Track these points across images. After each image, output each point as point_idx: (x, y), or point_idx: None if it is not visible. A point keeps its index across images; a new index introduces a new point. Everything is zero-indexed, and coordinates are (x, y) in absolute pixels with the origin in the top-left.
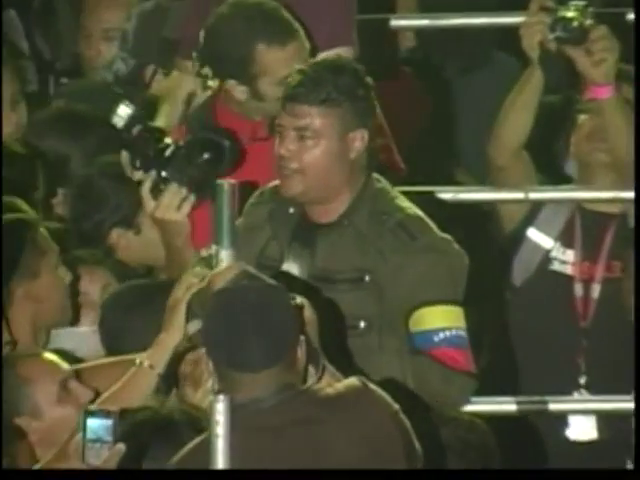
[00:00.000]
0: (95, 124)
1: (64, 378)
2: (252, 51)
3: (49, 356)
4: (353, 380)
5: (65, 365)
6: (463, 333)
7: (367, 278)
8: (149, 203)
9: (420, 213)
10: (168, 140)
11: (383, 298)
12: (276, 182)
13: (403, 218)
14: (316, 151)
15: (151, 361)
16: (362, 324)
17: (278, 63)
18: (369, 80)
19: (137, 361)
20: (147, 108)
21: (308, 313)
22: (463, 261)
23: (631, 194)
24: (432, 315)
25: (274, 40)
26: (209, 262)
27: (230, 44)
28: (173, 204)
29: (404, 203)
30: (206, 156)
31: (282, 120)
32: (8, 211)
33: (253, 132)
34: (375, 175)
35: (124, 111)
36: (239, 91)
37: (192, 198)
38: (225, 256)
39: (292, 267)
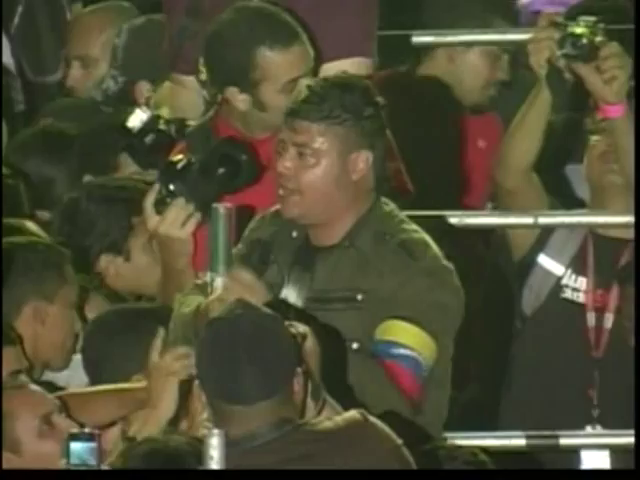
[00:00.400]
0: (81, 144)
1: (48, 412)
2: (254, 55)
3: (33, 388)
4: (353, 413)
5: (50, 398)
6: (425, 364)
7: (359, 297)
8: (152, 217)
9: (426, 238)
10: (180, 154)
11: (376, 318)
12: (277, 206)
13: (406, 239)
14: (315, 170)
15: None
16: (354, 345)
17: (281, 67)
18: (380, 100)
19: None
20: None
21: (310, 343)
22: (459, 299)
23: (631, 218)
24: (402, 330)
25: (276, 43)
26: (204, 290)
27: (231, 49)
28: (178, 220)
29: (410, 226)
30: (221, 170)
31: (283, 135)
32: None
33: (267, 156)
34: (383, 199)
35: (140, 116)
36: (240, 100)
37: (198, 216)
38: (220, 283)
39: (291, 291)
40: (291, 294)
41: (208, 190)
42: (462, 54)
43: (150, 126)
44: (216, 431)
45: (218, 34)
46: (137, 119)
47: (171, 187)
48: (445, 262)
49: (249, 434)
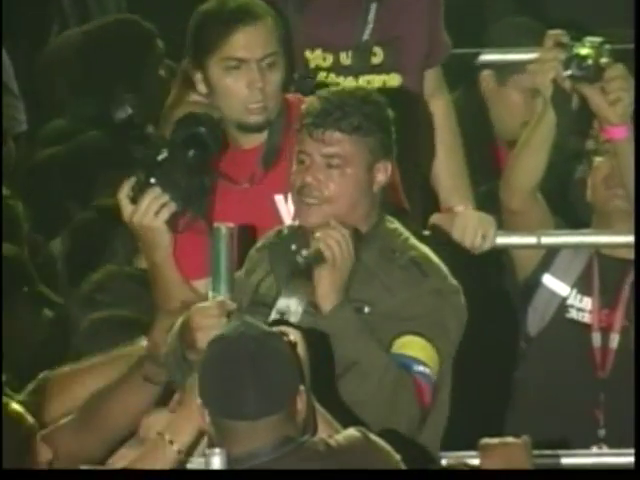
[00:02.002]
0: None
1: (27, 434)
2: (200, 29)
3: (15, 407)
4: (353, 432)
5: (30, 419)
6: (434, 381)
7: (366, 309)
8: (127, 208)
9: (432, 255)
10: (163, 147)
11: (379, 331)
12: (279, 227)
13: (416, 256)
14: (344, 180)
15: (172, 436)
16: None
17: (227, 43)
18: (391, 113)
19: (156, 433)
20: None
21: (300, 350)
22: (461, 320)
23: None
24: (420, 347)
25: (222, 18)
26: None
27: (194, 27)
28: (151, 209)
29: (416, 244)
30: (191, 153)
31: (307, 147)
32: None
33: (251, 176)
34: (388, 217)
35: (127, 109)
36: (198, 81)
37: (173, 206)
38: None
39: (290, 301)
40: (291, 304)
41: (186, 178)
42: (495, 94)
43: (132, 122)
44: (217, 450)
45: (195, 17)
46: (125, 111)
47: (152, 180)
48: (453, 281)
49: (251, 453)
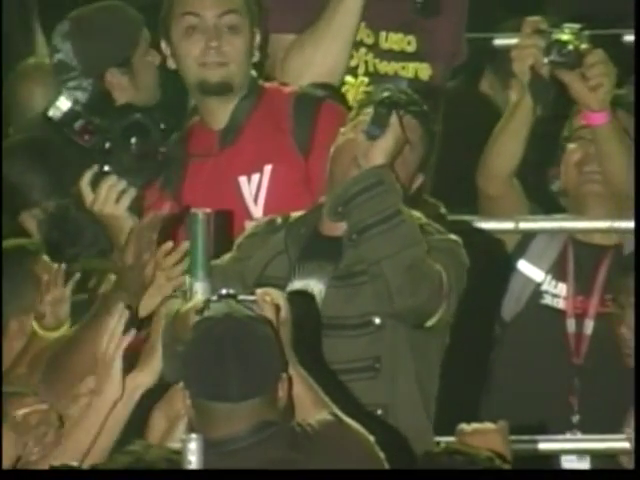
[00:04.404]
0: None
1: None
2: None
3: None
4: (326, 416)
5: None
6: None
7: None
8: (88, 196)
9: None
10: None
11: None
12: (272, 216)
13: (425, 222)
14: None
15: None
16: (377, 320)
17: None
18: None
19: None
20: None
21: (284, 313)
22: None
23: (630, 224)
24: None
25: None
26: (184, 295)
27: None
28: (110, 197)
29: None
30: (134, 140)
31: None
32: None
33: (208, 148)
34: None
35: (64, 104)
36: (168, 56)
37: (132, 192)
38: (199, 288)
39: (310, 282)
40: (310, 284)
41: (133, 165)
42: None
43: (77, 113)
44: (194, 435)
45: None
46: (60, 107)
47: (105, 168)
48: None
49: (230, 437)
